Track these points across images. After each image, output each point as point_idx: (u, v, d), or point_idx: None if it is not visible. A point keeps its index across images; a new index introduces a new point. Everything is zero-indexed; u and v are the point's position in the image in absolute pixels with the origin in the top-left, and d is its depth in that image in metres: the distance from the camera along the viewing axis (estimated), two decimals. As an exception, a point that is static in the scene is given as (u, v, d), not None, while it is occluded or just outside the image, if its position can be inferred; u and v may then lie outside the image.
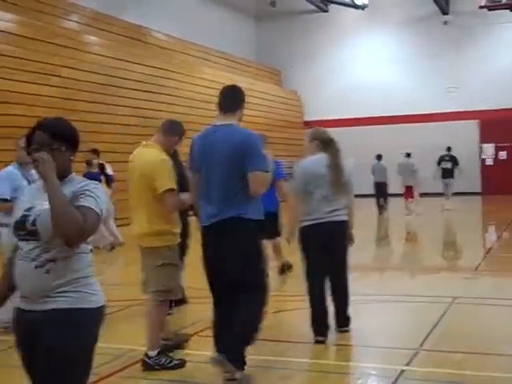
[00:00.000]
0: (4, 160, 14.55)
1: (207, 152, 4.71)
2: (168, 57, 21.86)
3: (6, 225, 5.51)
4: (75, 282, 2.88)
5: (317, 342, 5.68)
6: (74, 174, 3.03)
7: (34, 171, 5.45)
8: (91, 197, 2.87)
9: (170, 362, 5.07)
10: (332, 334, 5.81)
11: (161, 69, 20.95)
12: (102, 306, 2.98)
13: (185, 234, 6.15)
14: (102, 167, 13.73)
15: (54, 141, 2.91)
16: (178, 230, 5.28)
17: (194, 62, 23.86)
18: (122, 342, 5.83)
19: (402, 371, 4.97)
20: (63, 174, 2.92)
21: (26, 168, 6.34)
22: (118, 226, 13.47)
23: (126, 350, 5.59)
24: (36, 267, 2.83)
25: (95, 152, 13.92)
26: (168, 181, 4.99)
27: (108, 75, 18.43)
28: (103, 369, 4.99)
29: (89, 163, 13.42)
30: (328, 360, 5.59)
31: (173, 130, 5.49)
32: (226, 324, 4.69)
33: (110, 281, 9.26)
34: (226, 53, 26.57)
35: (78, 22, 18.06)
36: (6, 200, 6.18)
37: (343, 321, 5.95)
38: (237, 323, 4.62)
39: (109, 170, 14.01)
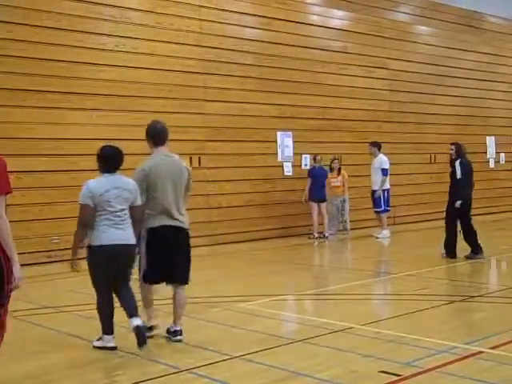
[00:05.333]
0: (332, 152, 15.32)
1: None
2: (503, 42, 20.59)
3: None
4: None
5: None
6: None
7: None
8: None
9: None
10: None
11: (495, 55, 19.87)
12: None
13: None
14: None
15: None
16: None
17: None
18: (444, 337, 5.62)
19: None
20: None
21: None
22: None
23: (449, 346, 5.36)
24: None
25: (375, 145, 13.91)
26: None
27: (436, 65, 18.09)
28: (424, 362, 4.93)
29: (314, 159, 14.13)
30: None
31: None
32: None
33: (436, 274, 9.05)
34: None
35: (407, 14, 18.02)
36: None
37: None
38: None
39: (384, 163, 13.87)
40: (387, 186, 13.89)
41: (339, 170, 14.39)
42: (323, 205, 13.97)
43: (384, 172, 13.74)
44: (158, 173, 5.65)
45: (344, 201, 14.41)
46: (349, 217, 14.60)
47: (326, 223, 14.01)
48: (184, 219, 5.84)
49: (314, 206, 13.88)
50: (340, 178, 14.33)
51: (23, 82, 11.02)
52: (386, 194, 13.84)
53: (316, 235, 13.81)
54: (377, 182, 13.76)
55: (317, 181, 13.92)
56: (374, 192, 13.87)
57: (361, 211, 15.05)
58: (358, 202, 14.99)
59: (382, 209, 13.82)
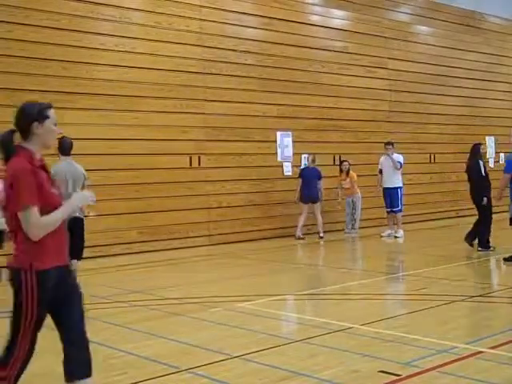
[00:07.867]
0: (332, 152, 15.36)
1: None
2: (503, 42, 20.59)
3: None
4: None
5: None
6: None
7: None
8: None
9: None
10: None
11: (495, 55, 19.88)
12: None
13: None
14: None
15: None
16: None
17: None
18: (444, 337, 5.62)
19: None
20: None
21: None
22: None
23: (449, 346, 5.36)
24: None
25: (389, 144, 13.98)
26: None
27: (436, 65, 18.10)
28: (424, 362, 4.92)
29: (313, 160, 14.05)
30: None
31: None
32: None
33: (436, 274, 9.05)
34: None
35: (407, 14, 18.02)
36: None
37: None
38: None
39: (400, 158, 13.98)
40: (400, 183, 14.00)
41: (348, 171, 14.46)
42: (316, 205, 13.92)
43: (399, 164, 13.88)
44: (60, 174, 7.54)
45: (354, 200, 14.51)
46: (360, 216, 14.73)
47: (319, 224, 13.97)
48: (79, 210, 7.62)
49: (303, 207, 13.83)
50: (348, 179, 14.40)
51: (23, 81, 11.01)
52: (399, 193, 13.95)
53: (299, 235, 13.75)
54: (394, 180, 13.82)
55: (306, 181, 13.83)
56: (387, 190, 13.89)
57: (361, 211, 15.06)
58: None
59: (399, 208, 13.90)
